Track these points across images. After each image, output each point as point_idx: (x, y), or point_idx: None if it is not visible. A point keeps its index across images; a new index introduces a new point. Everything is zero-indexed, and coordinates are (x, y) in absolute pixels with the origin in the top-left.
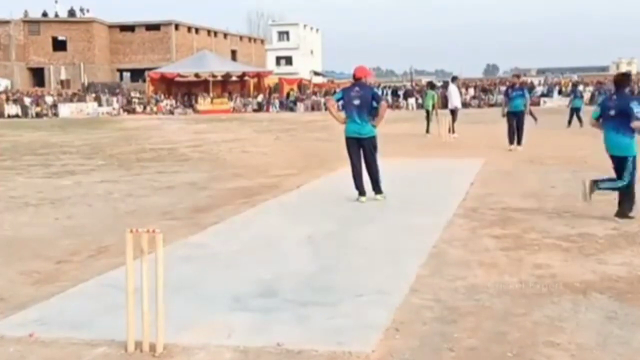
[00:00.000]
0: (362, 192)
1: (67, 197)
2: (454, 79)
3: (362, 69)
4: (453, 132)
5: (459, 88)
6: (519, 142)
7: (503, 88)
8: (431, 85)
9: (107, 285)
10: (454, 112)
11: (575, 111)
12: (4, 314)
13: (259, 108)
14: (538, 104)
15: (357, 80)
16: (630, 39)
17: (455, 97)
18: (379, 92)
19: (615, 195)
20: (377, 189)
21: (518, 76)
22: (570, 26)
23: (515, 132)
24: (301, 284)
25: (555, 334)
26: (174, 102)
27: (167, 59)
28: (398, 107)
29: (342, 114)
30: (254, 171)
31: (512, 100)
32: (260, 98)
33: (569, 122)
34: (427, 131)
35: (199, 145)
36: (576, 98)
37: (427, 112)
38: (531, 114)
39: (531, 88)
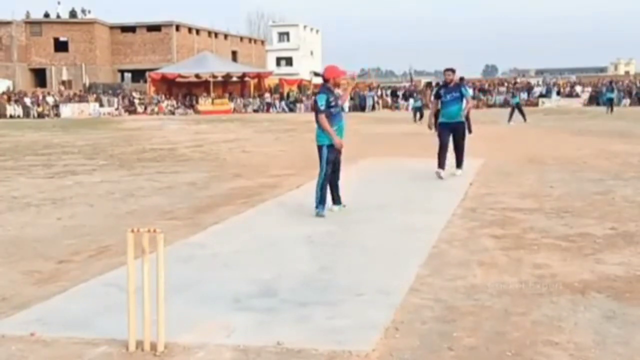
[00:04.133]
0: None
1: (69, 197)
2: (461, 80)
3: (333, 69)
4: None
5: None
6: (458, 164)
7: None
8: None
9: (108, 284)
10: None
11: None
12: (6, 313)
13: (259, 109)
14: (537, 104)
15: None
16: (628, 40)
17: None
18: (321, 101)
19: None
20: (336, 198)
21: (453, 70)
22: (568, 27)
23: (454, 151)
24: (301, 283)
25: (554, 334)
26: (174, 102)
27: (168, 59)
28: (397, 107)
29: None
30: (254, 171)
31: (446, 105)
32: (257, 103)
33: None
34: None
35: (200, 146)
36: None
37: None
38: (467, 120)
39: (529, 89)
